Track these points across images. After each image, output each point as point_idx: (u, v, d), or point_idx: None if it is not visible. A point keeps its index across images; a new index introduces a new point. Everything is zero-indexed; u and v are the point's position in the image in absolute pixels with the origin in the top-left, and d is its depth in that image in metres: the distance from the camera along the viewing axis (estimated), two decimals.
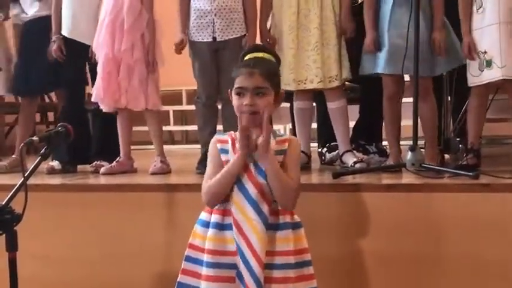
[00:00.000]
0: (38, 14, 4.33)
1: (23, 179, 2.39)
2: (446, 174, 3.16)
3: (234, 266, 2.44)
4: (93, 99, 3.88)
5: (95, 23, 4.02)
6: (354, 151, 3.80)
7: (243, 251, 2.41)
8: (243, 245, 2.42)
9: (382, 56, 3.48)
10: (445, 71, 3.59)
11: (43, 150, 2.55)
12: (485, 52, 3.32)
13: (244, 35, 3.78)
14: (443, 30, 3.42)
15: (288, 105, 4.38)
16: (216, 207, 2.48)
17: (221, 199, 2.45)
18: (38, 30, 4.31)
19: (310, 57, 3.62)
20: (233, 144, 2.48)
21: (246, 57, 2.55)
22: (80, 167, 4.10)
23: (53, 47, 4.11)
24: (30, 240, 2.44)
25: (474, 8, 3.38)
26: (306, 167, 3.72)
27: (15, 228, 2.34)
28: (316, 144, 4.24)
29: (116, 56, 3.76)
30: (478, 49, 3.35)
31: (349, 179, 3.19)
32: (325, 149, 4.18)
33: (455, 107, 3.96)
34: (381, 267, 2.87)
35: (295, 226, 2.47)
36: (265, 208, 2.42)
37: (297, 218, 2.48)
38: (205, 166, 3.34)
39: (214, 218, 2.48)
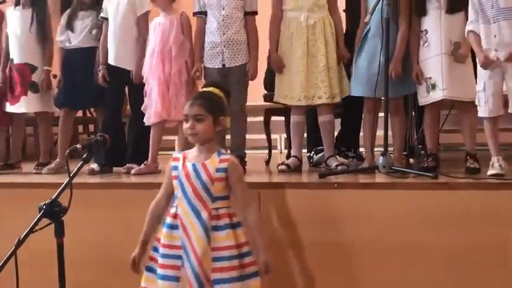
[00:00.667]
0: (81, 45, 4.28)
1: (68, 178, 2.41)
2: (411, 174, 3.18)
3: (179, 257, 2.50)
4: (148, 114, 3.87)
5: (134, 52, 4.05)
6: (337, 156, 3.80)
7: (186, 246, 2.49)
8: (186, 242, 2.50)
9: (362, 81, 3.50)
10: (405, 93, 3.61)
11: (85, 155, 2.57)
12: (430, 78, 3.37)
13: (247, 62, 3.76)
14: (399, 62, 3.43)
15: (282, 118, 4.39)
16: (171, 210, 2.58)
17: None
18: (80, 58, 4.28)
19: (318, 78, 3.61)
20: (183, 162, 2.56)
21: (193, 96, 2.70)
22: (114, 169, 4.10)
23: (99, 75, 4.11)
24: (74, 228, 2.44)
25: (421, 43, 3.40)
26: (297, 169, 3.75)
27: (62, 218, 2.36)
28: (305, 150, 4.22)
29: (167, 78, 3.77)
30: (425, 76, 3.37)
31: (333, 179, 3.21)
32: (313, 153, 4.19)
33: (418, 121, 3.97)
34: (355, 252, 2.88)
35: (234, 226, 2.53)
36: (204, 214, 2.48)
37: (235, 219, 2.53)
38: None
39: (168, 219, 2.57)
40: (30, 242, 2.29)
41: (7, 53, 4.48)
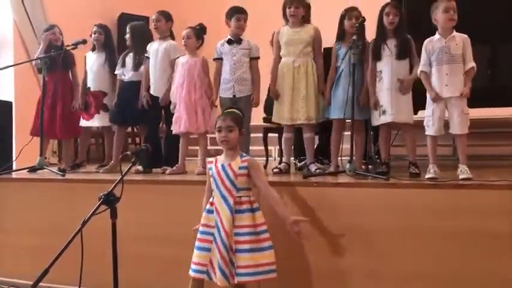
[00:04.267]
0: (131, 79, 4.29)
1: (121, 176, 2.41)
2: (369, 177, 3.17)
3: (212, 234, 2.52)
4: (176, 125, 3.86)
5: (166, 83, 4.04)
6: (316, 162, 3.79)
7: (218, 224, 2.51)
8: (218, 221, 2.52)
9: (338, 107, 3.52)
10: (367, 117, 3.59)
11: (133, 160, 2.58)
12: (382, 105, 3.38)
13: (252, 93, 3.78)
14: (366, 94, 3.46)
15: (276, 135, 4.39)
16: (211, 200, 2.59)
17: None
18: (130, 88, 4.28)
19: (300, 105, 3.62)
20: (215, 164, 2.61)
21: (223, 112, 2.70)
22: (154, 170, 4.09)
23: (143, 100, 4.12)
24: (125, 212, 2.45)
25: (377, 79, 3.43)
26: (287, 172, 3.75)
27: (115, 205, 2.36)
28: (292, 158, 4.23)
29: (193, 102, 3.79)
30: (379, 103, 3.38)
31: (313, 179, 3.20)
32: (297, 160, 4.19)
33: (374, 138, 3.97)
34: (329, 234, 2.85)
35: (253, 210, 2.53)
36: (231, 201, 2.50)
37: (255, 205, 2.54)
38: None
39: (208, 206, 2.60)
40: (92, 221, 2.30)
41: (85, 84, 4.55)
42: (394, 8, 3.37)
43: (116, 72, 4.37)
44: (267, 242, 2.50)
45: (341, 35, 3.61)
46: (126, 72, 4.30)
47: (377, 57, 3.42)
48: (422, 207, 2.71)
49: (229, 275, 2.47)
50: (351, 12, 3.54)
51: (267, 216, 2.58)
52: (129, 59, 4.29)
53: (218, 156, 2.66)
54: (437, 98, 3.06)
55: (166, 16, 4.16)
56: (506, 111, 4.80)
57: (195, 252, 2.57)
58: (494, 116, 4.95)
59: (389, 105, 3.33)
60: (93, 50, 4.57)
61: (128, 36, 4.34)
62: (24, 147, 4.13)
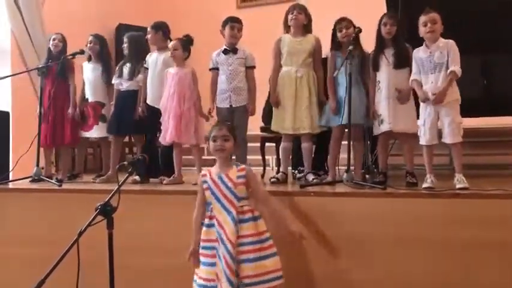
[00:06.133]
0: (129, 88, 4.30)
1: (117, 186, 2.41)
2: (367, 186, 3.17)
3: (214, 248, 2.47)
4: (163, 136, 3.83)
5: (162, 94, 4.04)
6: (313, 172, 3.77)
7: (222, 237, 2.45)
8: (222, 233, 2.46)
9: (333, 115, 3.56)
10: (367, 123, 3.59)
11: (130, 170, 2.57)
12: (381, 115, 3.39)
13: (248, 102, 3.78)
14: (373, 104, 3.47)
15: (273, 144, 4.39)
16: (208, 213, 2.54)
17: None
18: (127, 98, 4.29)
19: (303, 114, 3.63)
20: (210, 176, 2.57)
21: (217, 122, 2.73)
22: (151, 180, 4.08)
23: (139, 110, 4.13)
24: (122, 222, 2.43)
25: (376, 89, 3.45)
26: (284, 181, 3.74)
27: (112, 215, 2.35)
28: (290, 167, 4.22)
29: (181, 113, 3.74)
30: (378, 113, 3.39)
31: (310, 189, 3.20)
32: (296, 171, 4.19)
33: (372, 147, 3.97)
34: (325, 241, 2.85)
35: (255, 218, 2.51)
36: (233, 211, 2.47)
37: (256, 213, 2.52)
38: None
39: (206, 221, 2.55)
40: (89, 232, 2.29)
41: (83, 94, 4.57)
42: (391, 18, 3.41)
43: (113, 82, 4.38)
44: (271, 249, 2.49)
45: (337, 46, 3.64)
46: (123, 82, 4.31)
47: (375, 67, 3.44)
48: (419, 216, 2.72)
49: (236, 285, 2.43)
50: (340, 24, 3.58)
51: (269, 223, 2.56)
52: (126, 69, 4.31)
53: (211, 168, 2.62)
54: (425, 99, 3.09)
55: (155, 27, 4.16)
56: (502, 121, 4.82)
57: (202, 268, 2.51)
58: (490, 125, 4.97)
59: (387, 114, 3.35)
60: (89, 60, 4.59)
61: (125, 46, 4.36)
62: (22, 157, 4.12)
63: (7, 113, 4.87)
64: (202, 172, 2.65)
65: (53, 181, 4.03)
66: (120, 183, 2.43)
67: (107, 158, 4.52)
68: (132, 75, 4.26)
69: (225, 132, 2.56)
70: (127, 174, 2.58)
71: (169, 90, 3.84)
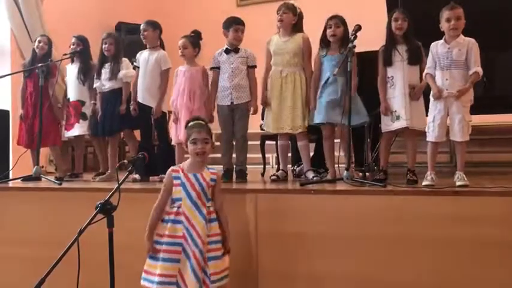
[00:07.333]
0: (113, 87, 4.30)
1: (117, 184, 2.41)
2: (367, 184, 3.16)
3: (181, 244, 2.46)
4: (176, 136, 3.82)
5: (155, 94, 4.04)
6: (313, 170, 3.77)
7: (191, 232, 2.46)
8: (191, 229, 2.47)
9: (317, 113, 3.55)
10: (357, 123, 3.53)
11: (130, 168, 2.58)
12: (395, 111, 3.35)
13: (249, 100, 3.77)
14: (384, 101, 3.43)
15: (273, 142, 4.39)
16: (173, 210, 2.51)
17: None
18: (111, 97, 4.30)
19: (286, 114, 3.64)
20: (183, 173, 2.56)
21: (192, 123, 2.61)
22: (150, 178, 4.08)
23: (131, 108, 4.13)
24: (122, 221, 2.43)
25: (388, 85, 3.42)
26: (284, 179, 3.74)
27: (112, 214, 2.36)
28: (289, 165, 4.22)
29: (192, 112, 3.70)
30: (391, 109, 3.37)
31: (310, 187, 3.19)
32: (296, 167, 4.18)
33: (372, 145, 3.96)
34: (326, 239, 2.85)
35: (217, 220, 2.58)
36: (204, 210, 2.50)
37: (213, 215, 2.58)
38: (225, 176, 3.36)
39: (171, 216, 2.51)
40: (89, 231, 2.29)
41: (65, 95, 4.66)
42: (402, 13, 3.39)
43: (94, 86, 4.39)
44: (224, 249, 2.60)
45: (324, 43, 3.62)
46: (104, 82, 4.31)
47: (388, 62, 3.41)
48: (419, 214, 2.71)
49: (203, 282, 2.46)
50: (331, 21, 3.57)
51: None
52: (105, 70, 4.31)
53: (182, 165, 2.61)
54: (438, 96, 3.06)
55: (153, 25, 4.15)
56: (503, 118, 4.82)
57: (161, 264, 2.47)
58: (491, 122, 4.97)
59: (403, 110, 3.32)
60: (72, 61, 4.64)
61: (105, 46, 4.30)
62: (21, 156, 4.12)
63: (7, 112, 4.88)
64: (174, 168, 2.63)
65: (52, 179, 4.03)
66: (120, 181, 2.43)
67: (100, 154, 4.50)
68: (112, 73, 4.26)
69: (205, 135, 2.56)
70: (127, 173, 2.58)
71: (179, 87, 3.84)
